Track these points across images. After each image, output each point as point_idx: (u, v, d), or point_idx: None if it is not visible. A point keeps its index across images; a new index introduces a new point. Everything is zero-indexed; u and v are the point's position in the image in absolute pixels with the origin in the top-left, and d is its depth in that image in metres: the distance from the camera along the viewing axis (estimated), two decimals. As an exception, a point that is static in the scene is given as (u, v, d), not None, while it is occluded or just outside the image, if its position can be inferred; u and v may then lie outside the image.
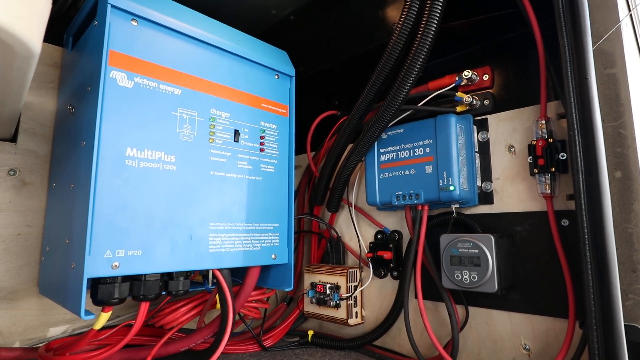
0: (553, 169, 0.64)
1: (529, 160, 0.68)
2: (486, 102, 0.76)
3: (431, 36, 0.65)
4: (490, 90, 0.76)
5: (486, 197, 0.73)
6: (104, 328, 0.58)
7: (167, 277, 0.62)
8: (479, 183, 0.74)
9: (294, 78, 0.83)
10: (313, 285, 0.90)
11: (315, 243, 1.00)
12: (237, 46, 0.72)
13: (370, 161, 0.82)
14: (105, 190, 0.54)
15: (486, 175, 0.74)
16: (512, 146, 0.72)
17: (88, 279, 0.51)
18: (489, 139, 0.75)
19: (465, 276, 0.65)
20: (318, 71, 1.01)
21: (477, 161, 0.74)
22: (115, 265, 0.54)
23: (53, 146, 0.76)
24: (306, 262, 1.03)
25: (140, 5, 0.59)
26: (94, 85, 0.56)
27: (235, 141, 0.70)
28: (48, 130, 0.76)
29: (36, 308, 0.72)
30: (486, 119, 0.75)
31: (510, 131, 0.72)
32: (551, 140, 0.65)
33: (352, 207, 0.92)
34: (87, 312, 0.50)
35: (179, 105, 0.63)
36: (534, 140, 0.66)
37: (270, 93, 0.78)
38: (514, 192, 0.70)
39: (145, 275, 0.58)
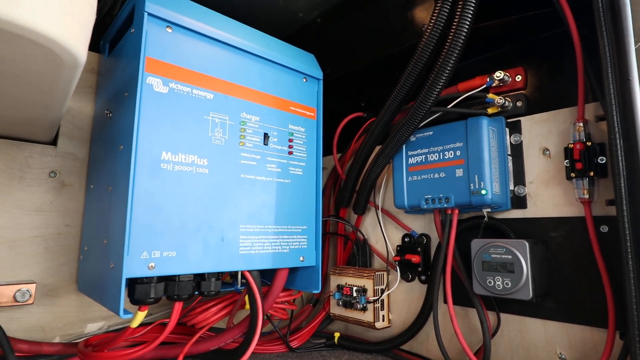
0: (592, 173, 0.61)
1: (565, 164, 0.66)
2: (519, 103, 0.74)
3: (463, 38, 0.64)
4: (523, 92, 0.74)
5: (519, 202, 0.71)
6: (138, 326, 0.60)
7: (199, 278, 0.63)
8: (511, 187, 0.72)
9: (321, 81, 0.83)
10: (339, 288, 0.90)
11: (341, 245, 1.01)
12: (267, 50, 0.73)
13: (398, 164, 0.81)
14: (142, 193, 0.56)
15: (519, 179, 0.72)
16: (547, 149, 0.69)
17: (126, 279, 0.53)
18: (522, 141, 0.73)
19: (497, 282, 0.64)
20: (344, 73, 1.01)
21: (510, 164, 0.72)
22: (152, 266, 0.55)
23: (90, 149, 0.79)
24: (332, 264, 1.03)
25: (174, 12, 0.61)
26: (131, 91, 0.58)
27: (264, 144, 0.71)
28: (86, 134, 0.79)
29: (75, 305, 0.75)
30: (519, 121, 0.74)
31: (545, 134, 0.70)
32: (589, 143, 0.62)
33: (378, 209, 0.91)
34: (126, 311, 0.52)
35: (211, 110, 0.64)
36: (571, 144, 0.64)
37: (299, 96, 0.78)
38: (549, 197, 0.68)
39: (179, 275, 0.59)
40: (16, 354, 0.64)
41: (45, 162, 0.74)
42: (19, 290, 0.67)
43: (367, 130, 0.89)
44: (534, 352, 0.68)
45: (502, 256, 0.64)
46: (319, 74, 0.82)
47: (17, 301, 0.66)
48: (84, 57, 0.39)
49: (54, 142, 0.76)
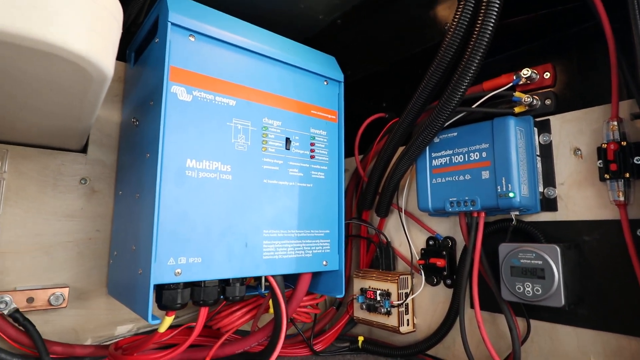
0: (627, 175, 0.59)
1: (598, 165, 0.63)
2: (547, 102, 0.71)
3: (488, 35, 0.62)
4: (552, 89, 0.72)
5: (549, 204, 0.69)
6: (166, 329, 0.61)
7: (224, 283, 0.64)
8: (540, 189, 0.70)
9: (342, 83, 0.82)
10: (363, 291, 0.90)
11: (364, 248, 1.00)
12: (287, 54, 0.73)
13: (422, 166, 0.80)
14: (168, 201, 0.57)
15: (549, 180, 0.70)
16: (579, 149, 0.67)
17: (154, 285, 0.54)
18: (551, 141, 0.70)
19: (527, 289, 0.62)
20: (365, 74, 1.00)
21: (539, 165, 0.70)
22: (178, 272, 0.56)
23: (118, 156, 0.81)
24: (354, 266, 1.02)
25: (197, 21, 0.62)
26: (156, 100, 0.59)
27: (286, 149, 0.71)
28: (114, 141, 0.81)
29: (105, 308, 0.78)
30: (548, 120, 0.71)
31: (576, 133, 0.67)
32: (624, 143, 0.60)
33: (402, 212, 0.90)
34: (154, 317, 0.53)
35: (234, 116, 0.65)
36: (605, 143, 0.61)
37: (320, 99, 0.78)
38: (581, 199, 0.66)
39: (204, 281, 0.60)
40: (51, 356, 0.66)
41: (76, 169, 0.77)
42: (53, 294, 0.69)
43: (390, 131, 0.88)
44: (566, 360, 0.65)
45: (532, 261, 0.62)
46: (339, 76, 0.82)
47: (51, 305, 0.69)
48: (111, 72, 0.40)
49: (84, 149, 0.78)
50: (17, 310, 0.65)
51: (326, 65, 0.80)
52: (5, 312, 0.64)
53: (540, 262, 0.61)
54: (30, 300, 0.67)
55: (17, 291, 0.67)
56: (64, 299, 0.70)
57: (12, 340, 0.65)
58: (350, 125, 0.88)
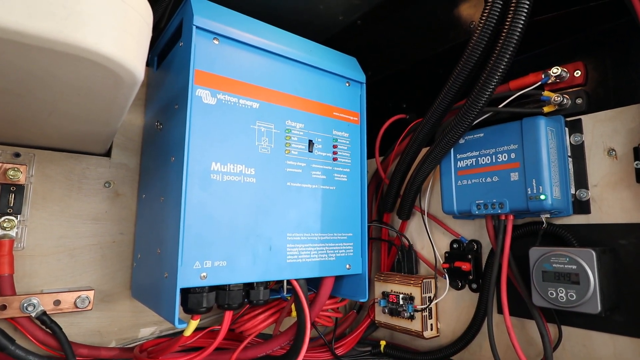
0: (667, 176, 0.56)
1: (635, 166, 0.61)
2: (578, 101, 0.69)
3: (518, 33, 0.60)
4: (583, 88, 0.69)
5: (582, 207, 0.67)
6: (190, 333, 0.61)
7: (248, 287, 0.64)
8: (572, 191, 0.67)
9: (364, 84, 0.81)
10: (385, 295, 0.88)
11: (385, 251, 0.98)
12: (309, 56, 0.72)
13: (446, 167, 0.78)
14: (194, 204, 0.56)
15: (581, 182, 0.67)
16: (613, 149, 0.64)
17: (180, 289, 0.54)
18: (583, 141, 0.68)
19: (560, 294, 0.60)
20: (385, 75, 0.99)
21: (570, 167, 0.68)
22: (204, 276, 0.56)
23: (141, 159, 0.81)
24: (375, 270, 1.01)
25: (221, 24, 0.61)
26: (181, 103, 0.59)
27: (309, 151, 0.70)
28: (137, 145, 0.82)
29: (129, 310, 0.78)
30: (579, 119, 0.69)
31: (610, 133, 0.65)
32: (664, 142, 0.57)
33: (424, 214, 0.88)
34: (181, 321, 0.53)
35: (257, 119, 0.65)
36: (642, 143, 0.59)
37: (342, 101, 0.77)
38: (616, 201, 0.63)
39: (229, 285, 0.60)
40: (77, 358, 0.67)
41: (100, 172, 0.77)
42: (79, 296, 0.70)
43: (412, 132, 0.87)
44: (601, 368, 0.63)
45: (566, 266, 0.60)
46: (361, 77, 0.81)
47: (77, 307, 0.70)
48: (142, 75, 0.40)
49: (107, 153, 0.79)
50: (44, 313, 0.65)
51: (348, 66, 0.79)
52: (33, 314, 0.65)
53: (574, 267, 0.59)
54: (56, 302, 0.68)
55: (44, 294, 0.68)
56: (89, 302, 0.71)
57: (40, 342, 0.66)
58: (370, 126, 0.87)
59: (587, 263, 0.58)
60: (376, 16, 0.92)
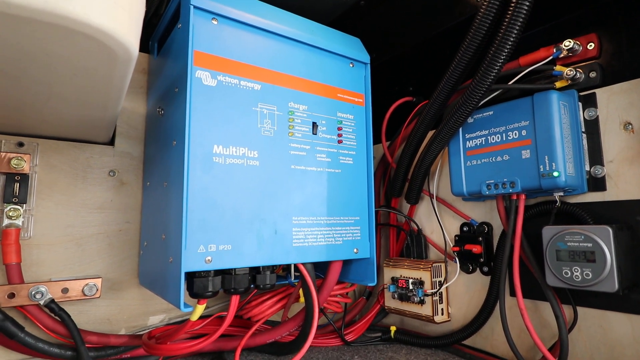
0: (688, 148, 0.54)
1: (653, 139, 0.58)
2: (592, 74, 0.66)
3: (527, 5, 0.57)
4: (597, 61, 0.67)
5: (597, 183, 0.64)
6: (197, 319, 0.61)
7: (254, 271, 0.63)
8: (587, 167, 0.65)
9: (369, 65, 0.79)
10: (394, 280, 0.87)
11: (393, 236, 0.97)
12: (312, 36, 0.70)
13: (455, 148, 0.76)
14: (196, 188, 0.56)
15: (596, 158, 0.65)
16: (630, 123, 0.62)
17: (185, 273, 0.53)
18: (598, 116, 0.65)
19: (576, 273, 0.58)
20: (391, 57, 0.97)
21: (585, 143, 0.65)
22: (209, 260, 0.55)
23: (145, 147, 0.81)
24: (384, 256, 1.00)
25: (219, 3, 0.60)
26: (181, 86, 0.58)
27: (313, 134, 0.69)
28: (140, 133, 0.81)
29: (137, 298, 0.78)
30: (594, 93, 0.66)
31: (626, 106, 0.62)
32: (684, 113, 0.54)
33: (433, 198, 0.87)
34: (186, 305, 0.52)
35: (259, 101, 0.63)
36: (661, 115, 0.56)
37: (346, 82, 0.75)
38: (634, 177, 0.61)
39: (235, 269, 0.59)
40: (86, 345, 0.67)
41: (104, 161, 0.77)
42: (87, 284, 0.70)
43: (419, 114, 0.85)
44: (619, 349, 0.61)
45: (581, 244, 0.58)
46: (365, 58, 0.79)
47: (85, 295, 0.70)
48: (136, 50, 0.38)
49: (111, 142, 0.78)
50: (52, 301, 0.66)
51: (352, 47, 0.77)
52: (42, 302, 0.65)
53: (590, 245, 0.57)
54: (65, 290, 0.68)
55: (52, 282, 0.68)
56: (97, 290, 0.71)
57: (49, 329, 0.66)
58: (375, 110, 0.85)
59: (604, 240, 0.55)
60: (379, -4, 0.90)
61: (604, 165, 0.64)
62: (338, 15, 0.95)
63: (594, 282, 0.56)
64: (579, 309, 0.65)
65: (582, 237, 0.58)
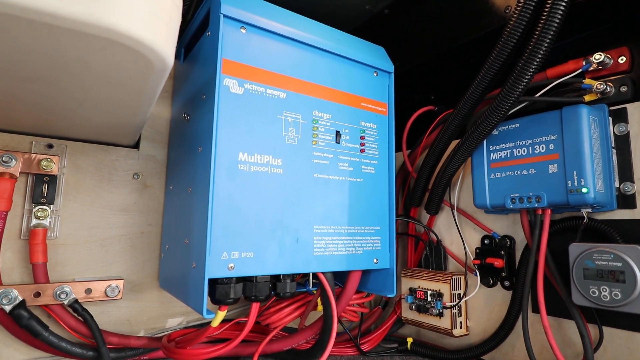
0: None
1: (688, 157, 0.56)
2: (623, 88, 0.65)
3: (559, 17, 0.56)
4: (628, 75, 0.65)
5: (626, 201, 0.63)
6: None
7: (274, 279, 0.63)
8: (616, 184, 0.63)
9: (392, 74, 0.79)
10: (412, 291, 0.86)
11: (412, 246, 0.96)
12: (337, 45, 0.71)
13: (478, 160, 0.75)
14: (221, 195, 0.56)
15: (626, 174, 0.63)
16: (663, 140, 0.60)
17: (207, 279, 0.54)
18: (628, 132, 0.64)
19: (604, 293, 0.56)
20: (414, 66, 0.96)
21: (614, 159, 0.64)
22: (231, 267, 0.55)
23: (168, 151, 0.82)
24: (402, 265, 0.99)
25: (248, 12, 0.61)
26: (208, 93, 0.59)
27: (336, 143, 0.69)
28: (164, 137, 0.82)
29: (157, 300, 0.79)
30: (624, 108, 0.64)
31: (659, 122, 0.61)
32: None
33: (454, 209, 0.86)
34: (209, 312, 0.53)
35: (284, 109, 0.64)
36: (697, 133, 0.54)
37: (369, 91, 0.75)
38: (666, 195, 0.59)
39: (256, 276, 0.59)
40: (107, 346, 0.68)
41: (129, 164, 0.78)
42: (109, 285, 0.71)
43: (442, 123, 0.84)
44: (647, 373, 0.59)
45: (610, 263, 0.56)
46: (389, 67, 0.78)
47: (107, 296, 0.71)
48: (172, 61, 0.39)
49: (136, 145, 0.80)
50: (76, 301, 0.67)
51: (376, 55, 0.77)
52: (66, 302, 0.66)
53: (619, 265, 0.55)
54: (88, 291, 0.69)
55: (76, 282, 0.69)
56: (119, 291, 0.72)
57: (72, 329, 0.67)
58: (396, 118, 0.85)
59: (635, 260, 0.54)
60: (404, 5, 0.89)
61: (634, 182, 0.62)
62: (362, 23, 0.95)
63: (623, 302, 0.54)
64: (605, 329, 0.64)
65: (612, 256, 0.56)
